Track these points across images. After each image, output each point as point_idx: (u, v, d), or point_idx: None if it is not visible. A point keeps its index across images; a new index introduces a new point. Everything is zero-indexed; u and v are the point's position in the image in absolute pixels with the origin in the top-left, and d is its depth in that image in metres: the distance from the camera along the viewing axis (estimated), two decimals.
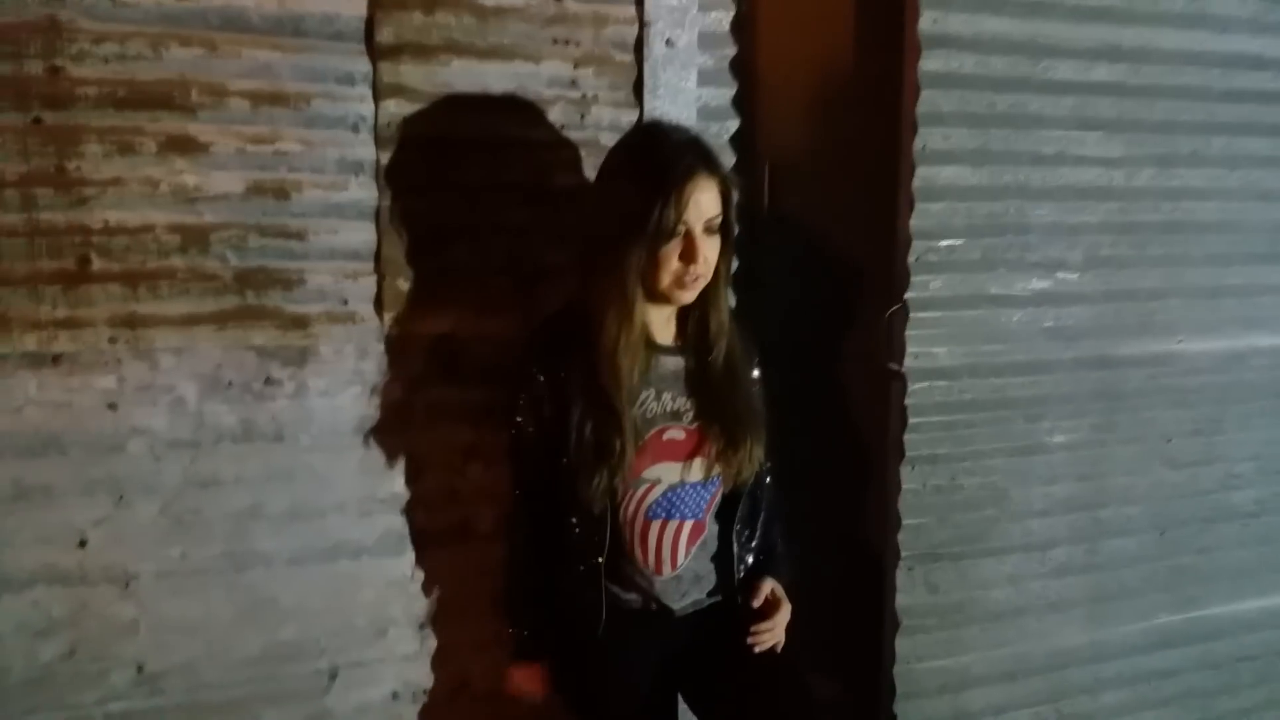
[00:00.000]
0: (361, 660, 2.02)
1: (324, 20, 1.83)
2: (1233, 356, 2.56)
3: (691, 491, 1.78)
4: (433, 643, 2.07)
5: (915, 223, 2.21)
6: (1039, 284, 2.34)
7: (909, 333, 2.24)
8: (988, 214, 2.27)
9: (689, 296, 1.71)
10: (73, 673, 1.83)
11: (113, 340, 1.78)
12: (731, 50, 2.16)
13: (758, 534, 1.93)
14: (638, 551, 1.78)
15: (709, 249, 1.68)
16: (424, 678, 2.08)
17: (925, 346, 2.25)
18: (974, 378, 2.30)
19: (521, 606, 1.88)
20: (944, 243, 2.23)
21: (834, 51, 2.34)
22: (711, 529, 1.83)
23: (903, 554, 2.32)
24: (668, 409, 1.76)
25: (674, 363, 1.78)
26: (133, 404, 1.81)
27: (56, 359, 1.76)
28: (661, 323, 1.79)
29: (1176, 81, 2.40)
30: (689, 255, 1.66)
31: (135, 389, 1.81)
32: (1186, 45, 2.39)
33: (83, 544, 1.81)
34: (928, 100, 2.17)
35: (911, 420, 2.24)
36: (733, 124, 2.18)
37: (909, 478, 2.29)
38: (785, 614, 1.87)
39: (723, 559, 1.86)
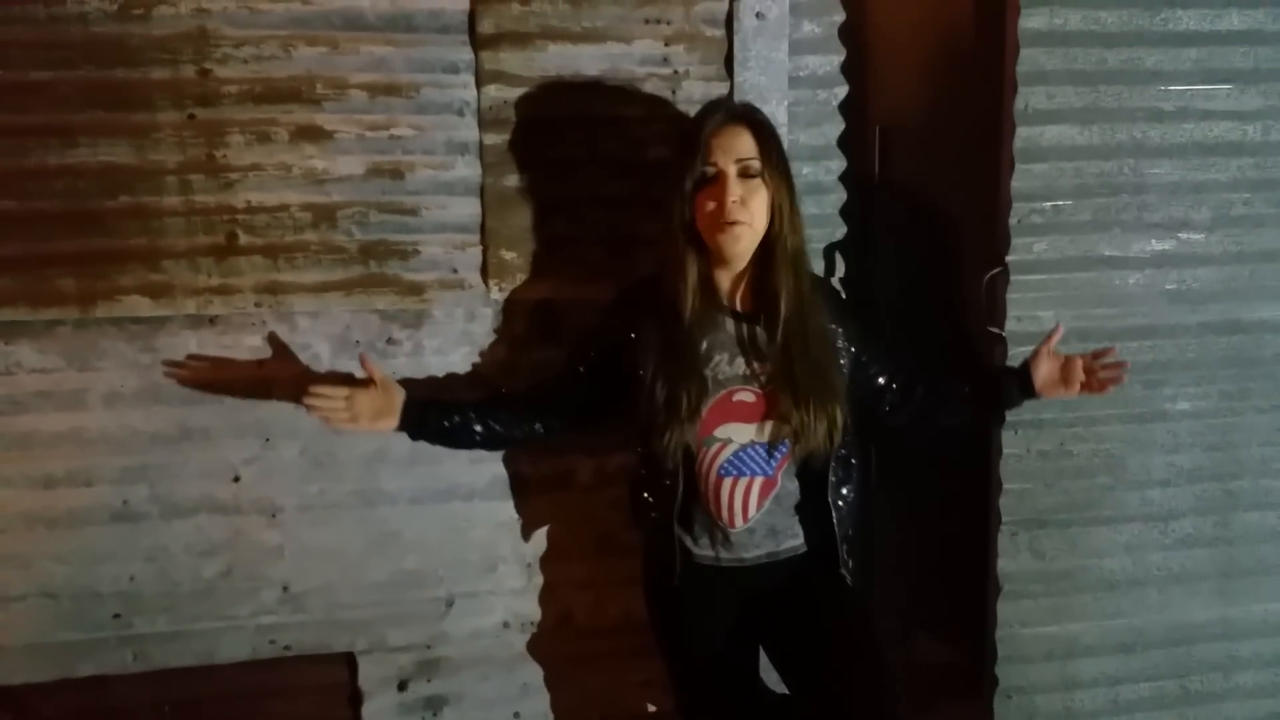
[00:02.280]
0: (475, 591, 2.24)
1: (431, 15, 2.03)
2: None
3: (761, 451, 1.86)
4: (539, 579, 2.27)
5: (1017, 184, 2.18)
6: (1159, 245, 2.25)
7: (1011, 296, 2.21)
8: (1099, 173, 2.20)
9: (733, 243, 1.79)
10: (230, 589, 2.15)
11: (258, 305, 2.06)
12: (840, 17, 2.21)
13: (958, 387, 2.05)
14: (710, 506, 1.89)
15: (744, 190, 1.76)
16: (531, 610, 2.28)
17: (1028, 310, 2.21)
18: (1085, 342, 2.22)
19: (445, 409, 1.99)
20: (1049, 204, 2.19)
21: (946, 13, 2.32)
22: (787, 486, 1.91)
23: (1005, 519, 2.31)
24: (740, 372, 1.85)
25: (745, 327, 1.87)
26: (277, 359, 2.09)
27: (212, 320, 2.06)
28: (736, 286, 1.88)
29: None
30: (719, 192, 1.76)
31: (278, 347, 2.10)
32: None
33: (236, 479, 2.12)
34: (1028, 59, 2.13)
35: None
36: (841, 90, 2.23)
37: (1011, 442, 2.27)
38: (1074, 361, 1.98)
39: (813, 518, 1.94)
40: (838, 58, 2.22)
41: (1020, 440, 2.28)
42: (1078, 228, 2.22)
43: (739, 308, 1.88)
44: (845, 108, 2.25)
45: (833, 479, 1.90)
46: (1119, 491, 2.35)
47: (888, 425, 2.04)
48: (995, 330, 2.22)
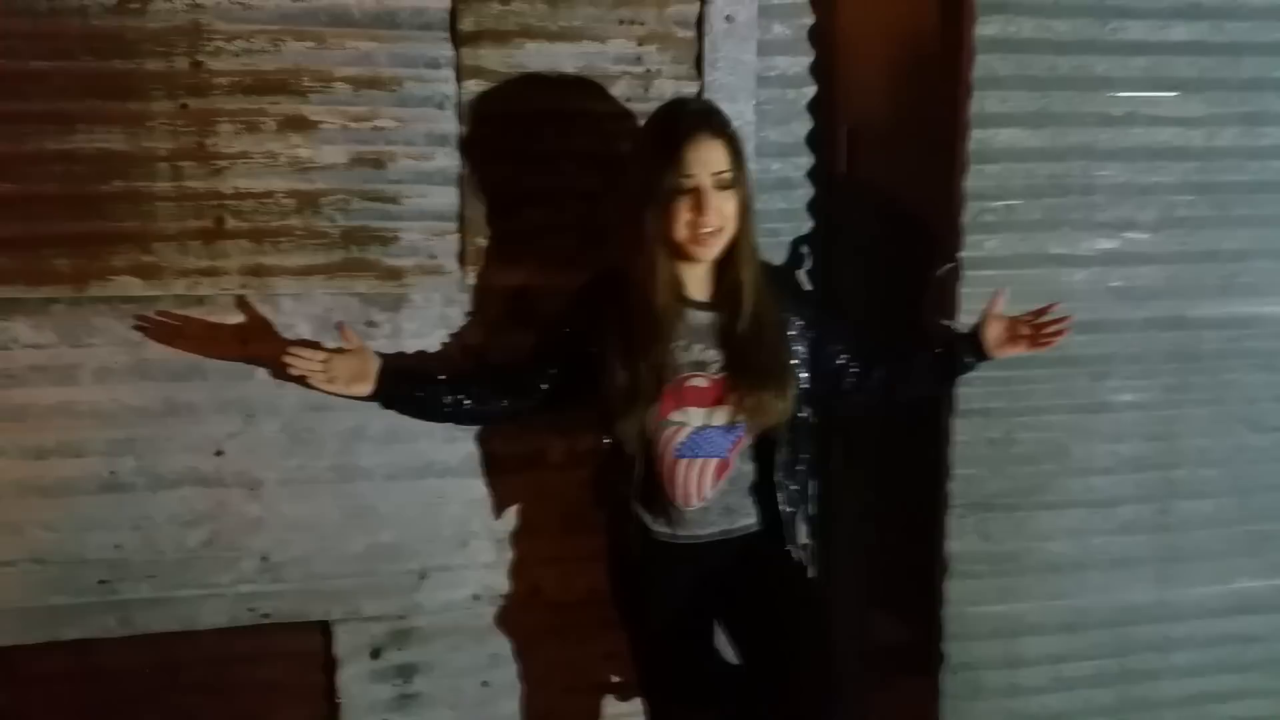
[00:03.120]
0: (447, 565, 2.35)
1: (414, 13, 2.12)
2: None
3: (716, 434, 1.96)
4: (509, 554, 2.37)
5: (970, 184, 2.29)
6: (1106, 244, 2.36)
7: (963, 290, 2.32)
8: (1049, 175, 2.31)
9: (707, 252, 1.89)
10: (211, 558, 2.25)
11: (244, 286, 2.15)
12: (809, 20, 2.31)
13: (904, 361, 2.15)
14: (667, 486, 1.99)
15: (720, 201, 1.85)
16: (501, 584, 2.38)
17: (980, 304, 2.27)
18: None
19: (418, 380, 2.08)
20: (1001, 203, 2.30)
21: (912, 19, 2.42)
22: (741, 468, 2.01)
23: (954, 502, 2.42)
24: (695, 358, 1.95)
25: (705, 317, 1.97)
26: (260, 339, 2.17)
27: (200, 300, 2.15)
28: (696, 280, 1.98)
29: (1268, 38, 2.33)
30: (698, 207, 1.84)
31: (262, 327, 2.19)
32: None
33: (219, 453, 2.21)
34: (984, 64, 2.23)
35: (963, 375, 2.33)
36: (810, 90, 2.34)
37: (961, 430, 2.38)
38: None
39: (763, 497, 2.05)
40: (807, 59, 2.32)
41: (970, 427, 2.39)
42: (1028, 226, 2.33)
43: (699, 298, 1.98)
44: (814, 107, 2.35)
45: (783, 460, 2.01)
46: (1064, 478, 2.46)
47: (852, 401, 2.14)
48: (947, 322, 2.32)
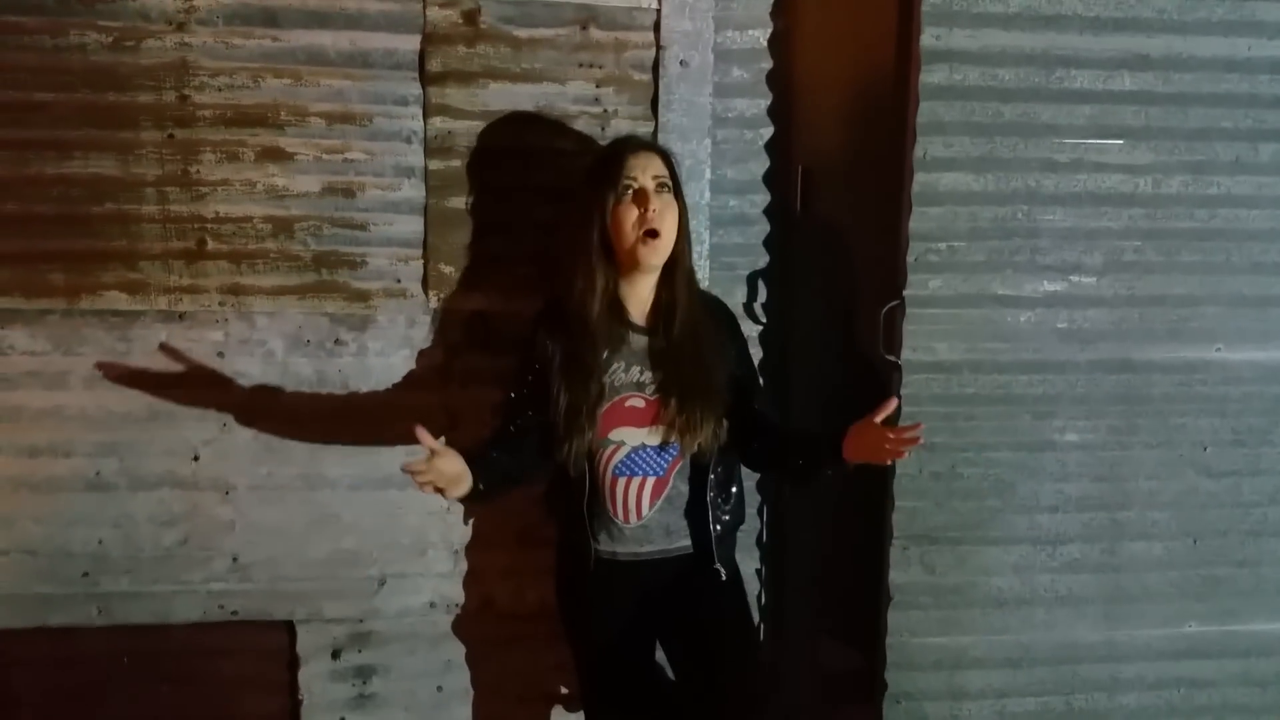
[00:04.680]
0: (405, 573, 2.47)
1: (385, 54, 2.29)
2: None
3: (653, 454, 2.07)
4: (464, 565, 2.49)
5: (914, 225, 2.37)
6: (1051, 286, 2.43)
7: (907, 328, 2.39)
8: (993, 218, 2.39)
9: (652, 254, 2.00)
10: (185, 556, 2.41)
11: (222, 304, 2.32)
12: (767, 64, 2.43)
13: (783, 443, 2.11)
14: (608, 503, 2.09)
15: (660, 202, 1.99)
16: (456, 593, 2.50)
17: (924, 341, 2.40)
18: (976, 373, 2.42)
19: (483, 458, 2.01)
20: (944, 244, 2.37)
21: (868, 65, 2.51)
22: (679, 488, 2.11)
23: (897, 534, 2.48)
24: (633, 380, 2.06)
25: (643, 340, 2.08)
26: (236, 353, 2.34)
27: (181, 316, 2.32)
28: (637, 302, 2.09)
29: (1216, 89, 2.39)
30: (642, 201, 1.98)
31: (238, 342, 2.34)
32: (1228, 52, 2.37)
33: (196, 458, 2.37)
34: (927, 111, 2.33)
35: (906, 409, 2.38)
36: (766, 130, 2.45)
37: (904, 463, 2.44)
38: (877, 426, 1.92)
39: (696, 517, 2.14)
40: (764, 101, 2.44)
41: (913, 461, 2.45)
42: (972, 267, 2.40)
43: (639, 322, 2.09)
44: (770, 147, 2.47)
45: (715, 480, 2.10)
46: (1008, 514, 2.51)
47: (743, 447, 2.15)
48: (892, 358, 2.40)
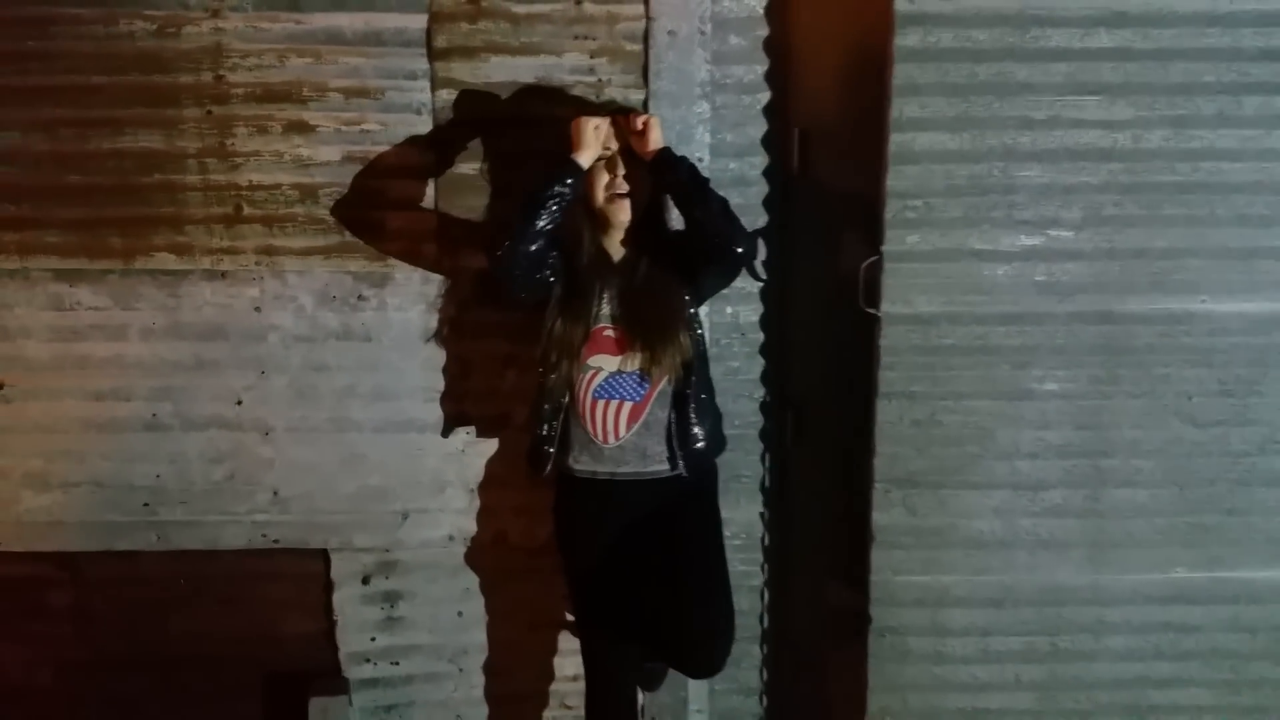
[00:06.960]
0: (426, 508, 2.72)
1: (396, 33, 2.51)
2: (1272, 320, 2.51)
3: (628, 379, 2.30)
4: (478, 502, 2.73)
5: (891, 183, 2.46)
6: (1028, 240, 2.49)
7: (886, 282, 2.50)
8: (969, 175, 2.47)
9: (620, 212, 2.29)
10: (232, 490, 2.70)
11: (258, 263, 2.59)
12: (764, 31, 2.56)
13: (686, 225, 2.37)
14: (587, 424, 2.33)
15: (629, 167, 2.27)
16: (471, 527, 2.74)
17: (902, 295, 2.50)
18: (954, 325, 2.51)
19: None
20: (921, 201, 2.47)
21: (861, 29, 2.59)
22: (657, 414, 2.32)
23: (879, 478, 2.59)
24: (607, 311, 2.32)
25: (616, 281, 2.34)
26: (271, 308, 2.61)
27: (223, 274, 2.59)
28: (616, 250, 2.36)
29: (1197, 44, 2.41)
30: (611, 167, 2.27)
31: (272, 298, 2.61)
32: (1209, 7, 2.39)
33: (239, 403, 2.65)
34: (902, 73, 2.42)
35: (885, 359, 2.51)
36: (764, 95, 2.58)
37: (885, 411, 2.56)
38: (652, 129, 2.26)
39: (678, 439, 2.33)
40: (761, 67, 2.57)
41: (893, 409, 2.56)
42: (949, 223, 2.49)
43: (617, 265, 2.35)
44: (768, 111, 2.60)
45: (694, 405, 2.32)
46: (987, 460, 2.60)
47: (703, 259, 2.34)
48: (872, 310, 2.51)
